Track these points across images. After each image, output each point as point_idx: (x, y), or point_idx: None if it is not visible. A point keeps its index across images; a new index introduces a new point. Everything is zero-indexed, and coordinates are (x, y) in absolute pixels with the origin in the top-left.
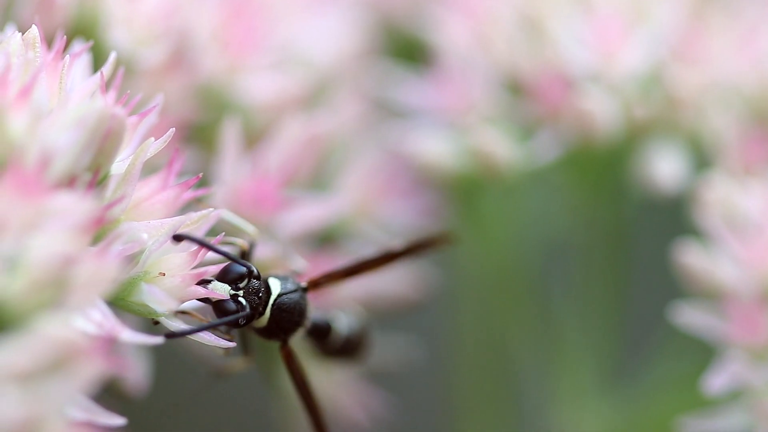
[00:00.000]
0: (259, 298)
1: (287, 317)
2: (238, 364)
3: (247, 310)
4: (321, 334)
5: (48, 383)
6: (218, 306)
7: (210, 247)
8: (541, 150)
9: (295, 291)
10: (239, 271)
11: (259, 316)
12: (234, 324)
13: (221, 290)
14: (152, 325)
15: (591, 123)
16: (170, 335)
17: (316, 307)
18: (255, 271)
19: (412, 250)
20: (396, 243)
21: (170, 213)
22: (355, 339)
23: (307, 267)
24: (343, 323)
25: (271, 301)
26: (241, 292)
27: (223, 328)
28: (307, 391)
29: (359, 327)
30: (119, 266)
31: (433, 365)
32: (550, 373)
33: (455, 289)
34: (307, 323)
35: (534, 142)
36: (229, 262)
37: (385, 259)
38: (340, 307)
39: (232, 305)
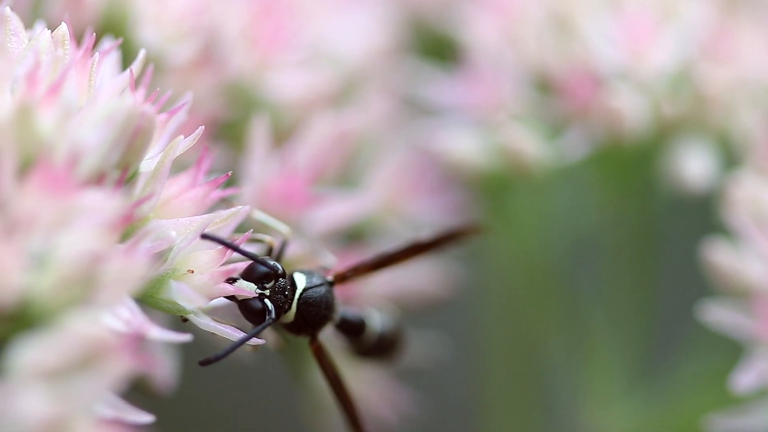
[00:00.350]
0: (285, 296)
1: (314, 311)
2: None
3: (273, 311)
4: (354, 331)
5: (76, 381)
6: (244, 305)
7: (233, 248)
8: (570, 148)
9: (321, 285)
10: (264, 270)
11: (286, 311)
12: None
13: (248, 289)
14: (181, 322)
15: (620, 121)
16: (206, 362)
17: (350, 305)
18: (280, 269)
19: (440, 242)
20: (424, 235)
21: (199, 211)
22: (389, 337)
23: (335, 263)
24: (377, 321)
25: (296, 296)
26: (267, 292)
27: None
28: (339, 385)
29: (393, 325)
30: (148, 264)
31: (461, 363)
32: (579, 370)
33: (484, 287)
34: (336, 317)
35: (563, 140)
36: (254, 261)
37: (413, 251)
38: (375, 306)
39: (258, 304)
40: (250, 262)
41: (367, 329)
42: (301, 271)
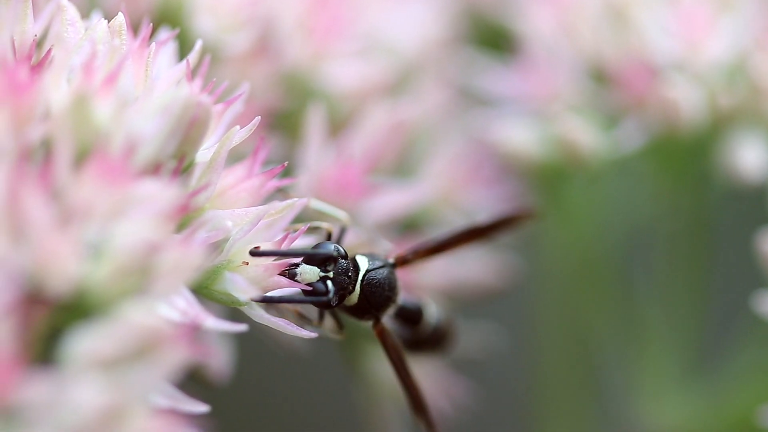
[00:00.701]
0: (349, 277)
1: (378, 292)
2: (332, 332)
3: (335, 292)
4: (412, 319)
5: (132, 370)
6: (311, 289)
7: (289, 254)
8: (625, 138)
9: (383, 267)
10: (326, 253)
11: (350, 293)
12: (326, 305)
13: (310, 274)
14: (236, 312)
15: (675, 112)
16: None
17: (408, 293)
18: (342, 251)
19: (497, 226)
20: (481, 219)
21: (255, 201)
22: (443, 328)
23: (392, 250)
24: (433, 310)
25: (359, 278)
26: (330, 274)
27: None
28: (403, 368)
29: (446, 317)
30: (203, 254)
31: (515, 353)
32: (633, 362)
33: (539, 277)
34: (398, 299)
35: (618, 131)
36: (315, 244)
37: (470, 235)
38: (427, 297)
39: (322, 287)
40: (312, 245)
41: (424, 318)
42: (363, 254)
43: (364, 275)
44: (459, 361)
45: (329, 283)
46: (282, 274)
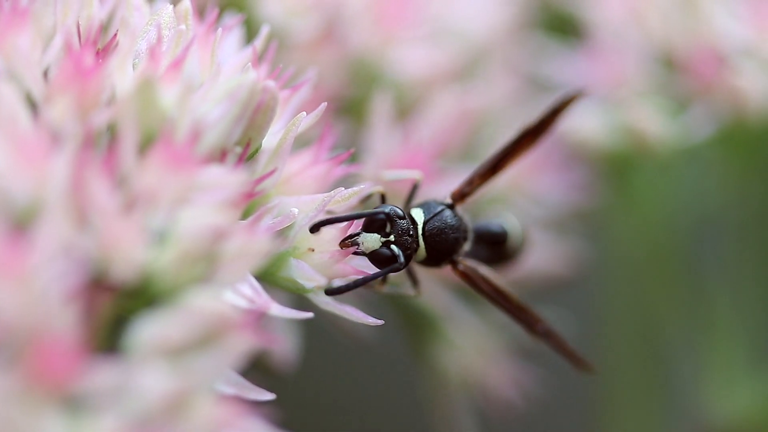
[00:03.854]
0: (410, 235)
1: (443, 239)
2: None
3: (402, 255)
4: (498, 240)
5: (197, 357)
6: (373, 256)
7: (344, 219)
8: (694, 126)
9: (440, 212)
10: (382, 217)
11: (415, 251)
12: (397, 269)
13: (371, 241)
14: (300, 300)
15: (744, 99)
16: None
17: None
18: (398, 210)
19: (547, 121)
20: (528, 122)
21: (321, 188)
22: (525, 238)
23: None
24: (514, 223)
25: (420, 232)
26: (391, 237)
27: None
28: (502, 297)
29: (524, 225)
30: (269, 241)
31: (584, 342)
32: (702, 351)
33: (607, 266)
34: (469, 235)
35: (687, 119)
36: (370, 210)
37: (523, 140)
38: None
39: (387, 251)
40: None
41: (509, 236)
42: (417, 206)
43: (423, 227)
44: (527, 350)
45: (393, 247)
46: (344, 244)
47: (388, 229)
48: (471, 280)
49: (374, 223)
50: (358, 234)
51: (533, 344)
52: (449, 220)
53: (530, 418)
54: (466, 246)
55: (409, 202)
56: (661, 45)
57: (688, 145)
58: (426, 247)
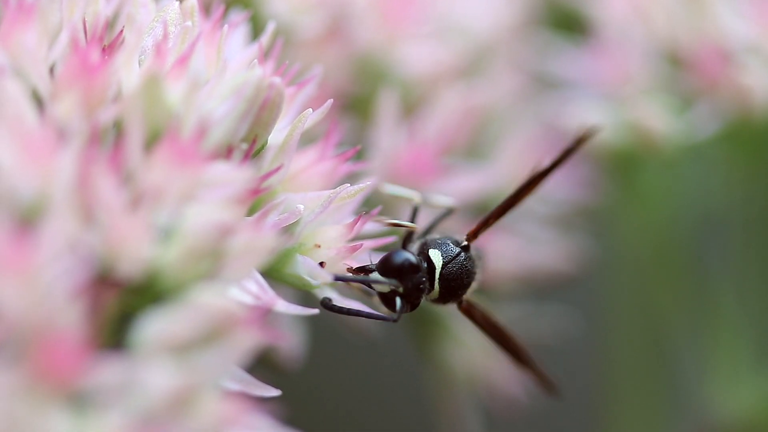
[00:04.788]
0: (422, 288)
1: (457, 284)
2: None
3: (400, 312)
4: None
5: (203, 354)
6: (381, 296)
7: (364, 281)
8: (699, 124)
9: (457, 255)
10: (398, 266)
11: (428, 293)
12: (389, 320)
13: (382, 286)
14: (306, 296)
15: (749, 97)
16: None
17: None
18: (415, 261)
19: (559, 161)
20: (541, 162)
21: (327, 184)
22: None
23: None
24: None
25: (437, 276)
26: (401, 289)
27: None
28: (499, 334)
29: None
30: (275, 237)
31: (589, 338)
32: (706, 348)
33: (612, 263)
34: (478, 275)
35: (692, 116)
36: (387, 254)
37: (537, 179)
38: None
39: (391, 298)
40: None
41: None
42: (435, 245)
43: (441, 271)
44: (532, 347)
45: (398, 300)
46: (355, 277)
47: (404, 277)
48: (473, 317)
49: (389, 269)
50: (372, 269)
51: (538, 342)
52: (466, 264)
53: (535, 416)
54: (474, 286)
55: (411, 220)
56: (666, 42)
57: (693, 143)
58: (440, 290)
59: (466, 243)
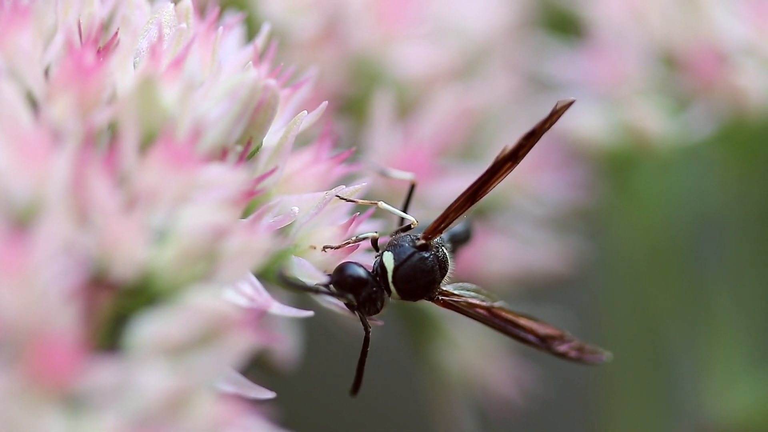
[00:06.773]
0: (373, 299)
1: (413, 284)
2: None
3: (364, 316)
4: (465, 240)
5: (198, 356)
6: (346, 306)
7: (311, 290)
8: (694, 125)
9: (410, 257)
10: (346, 281)
11: (389, 296)
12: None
13: (338, 300)
14: (301, 298)
15: (745, 98)
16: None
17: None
18: (362, 277)
19: (522, 147)
20: (505, 148)
21: (322, 186)
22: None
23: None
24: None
25: (390, 279)
26: (354, 302)
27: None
28: (485, 317)
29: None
30: (270, 239)
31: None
32: (702, 349)
33: (607, 264)
34: (448, 270)
35: (687, 117)
36: (337, 268)
37: (501, 167)
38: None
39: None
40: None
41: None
42: (391, 247)
43: (393, 275)
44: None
45: (356, 312)
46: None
47: (359, 290)
48: (455, 308)
49: (343, 285)
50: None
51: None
52: (420, 265)
53: (531, 417)
54: (445, 281)
55: (407, 205)
56: (661, 43)
57: (688, 144)
58: (398, 292)
59: (422, 242)
